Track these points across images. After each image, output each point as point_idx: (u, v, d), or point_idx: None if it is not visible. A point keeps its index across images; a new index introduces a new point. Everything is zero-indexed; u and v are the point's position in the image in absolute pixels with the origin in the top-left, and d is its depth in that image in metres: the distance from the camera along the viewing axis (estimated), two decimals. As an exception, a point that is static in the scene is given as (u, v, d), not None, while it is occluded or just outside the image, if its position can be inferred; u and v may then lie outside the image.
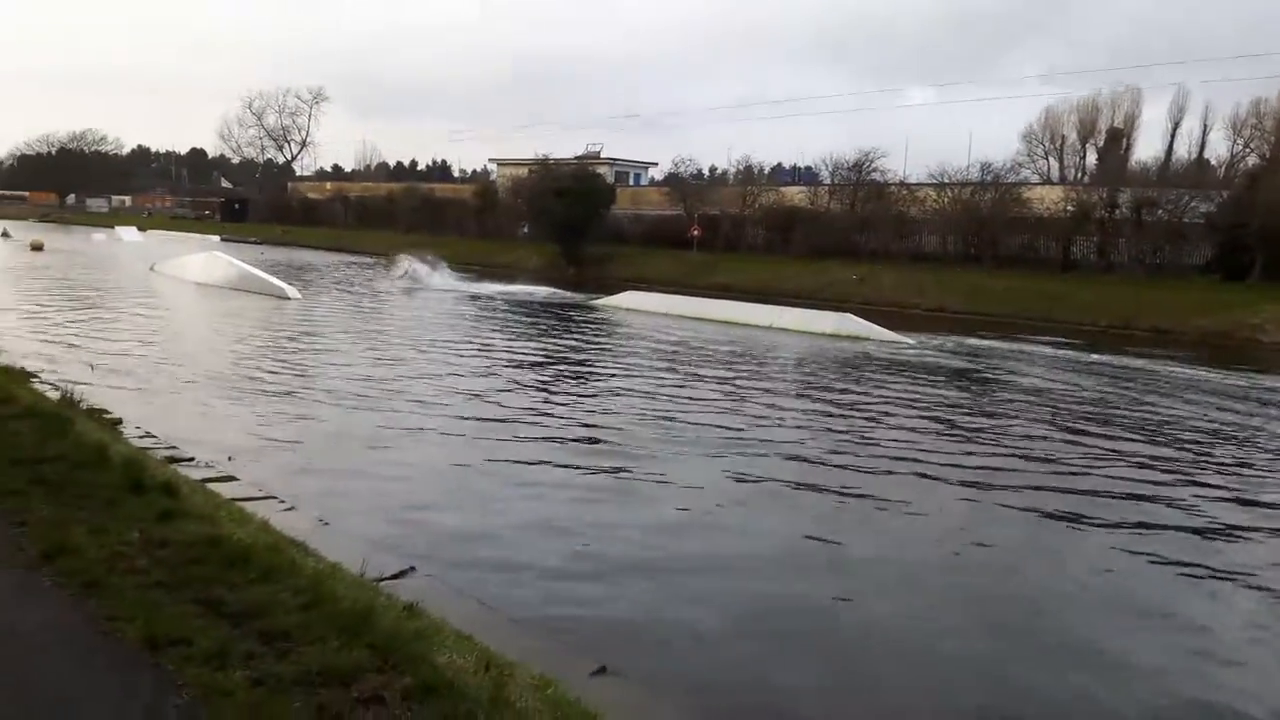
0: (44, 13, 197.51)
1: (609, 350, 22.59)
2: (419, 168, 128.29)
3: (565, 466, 11.17)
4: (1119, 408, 17.62)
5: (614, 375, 18.51)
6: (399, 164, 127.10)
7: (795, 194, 55.19)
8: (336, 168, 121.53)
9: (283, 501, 8.48)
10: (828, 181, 55.08)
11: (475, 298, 35.43)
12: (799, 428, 14.31)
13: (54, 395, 11.01)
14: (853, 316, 29.05)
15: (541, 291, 40.45)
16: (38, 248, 49.91)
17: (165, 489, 5.51)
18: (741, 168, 62.67)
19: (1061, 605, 7.92)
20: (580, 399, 15.82)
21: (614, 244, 55.34)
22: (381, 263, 51.38)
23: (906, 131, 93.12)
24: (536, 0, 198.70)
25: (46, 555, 4.48)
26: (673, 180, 62.28)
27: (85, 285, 32.46)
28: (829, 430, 14.38)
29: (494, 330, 25.57)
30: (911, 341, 26.57)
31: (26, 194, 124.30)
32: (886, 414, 15.86)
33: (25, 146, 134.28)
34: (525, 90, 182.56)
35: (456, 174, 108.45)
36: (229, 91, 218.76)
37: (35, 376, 12.84)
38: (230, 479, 9.01)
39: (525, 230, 62.13)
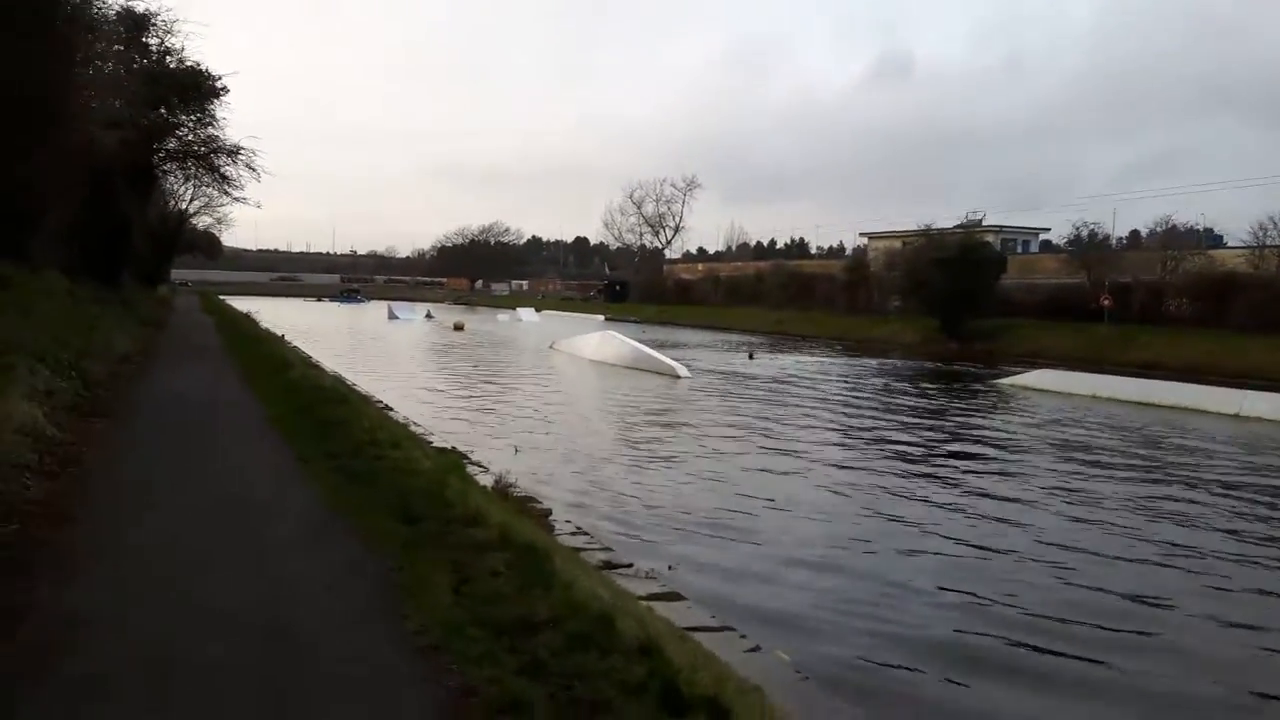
0: (481, 117, 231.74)
1: (1030, 447, 19.36)
2: (778, 246, 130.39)
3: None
4: None
5: (1046, 496, 15.48)
6: (759, 243, 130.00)
7: (1231, 258, 47.09)
8: (702, 250, 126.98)
9: (744, 636, 7.11)
10: (1272, 243, 46.23)
11: (860, 377, 33.36)
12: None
13: (487, 480, 10.87)
14: (1360, 405, 23.02)
15: (927, 368, 37.51)
16: (459, 328, 55.98)
17: (712, 709, 3.73)
18: (1153, 230, 54.98)
19: None
20: (986, 525, 13.08)
21: (999, 316, 50.67)
22: (753, 343, 51.17)
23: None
24: (903, 80, 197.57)
25: None
26: (1075, 245, 55.98)
27: (498, 362, 35.23)
28: None
29: (890, 415, 23.26)
30: None
31: (444, 280, 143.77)
32: None
33: (445, 239, 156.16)
34: (892, 164, 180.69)
35: (814, 251, 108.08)
36: (613, 183, 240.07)
37: (468, 458, 12.90)
38: (676, 597, 7.88)
39: (897, 304, 59.23)
